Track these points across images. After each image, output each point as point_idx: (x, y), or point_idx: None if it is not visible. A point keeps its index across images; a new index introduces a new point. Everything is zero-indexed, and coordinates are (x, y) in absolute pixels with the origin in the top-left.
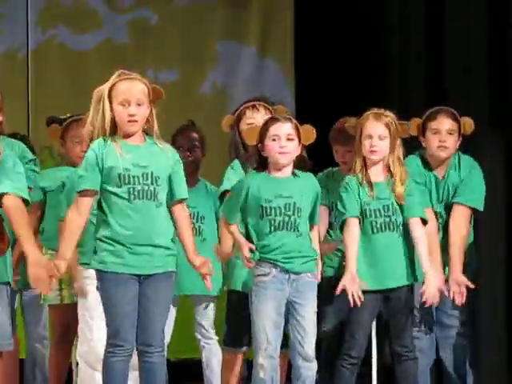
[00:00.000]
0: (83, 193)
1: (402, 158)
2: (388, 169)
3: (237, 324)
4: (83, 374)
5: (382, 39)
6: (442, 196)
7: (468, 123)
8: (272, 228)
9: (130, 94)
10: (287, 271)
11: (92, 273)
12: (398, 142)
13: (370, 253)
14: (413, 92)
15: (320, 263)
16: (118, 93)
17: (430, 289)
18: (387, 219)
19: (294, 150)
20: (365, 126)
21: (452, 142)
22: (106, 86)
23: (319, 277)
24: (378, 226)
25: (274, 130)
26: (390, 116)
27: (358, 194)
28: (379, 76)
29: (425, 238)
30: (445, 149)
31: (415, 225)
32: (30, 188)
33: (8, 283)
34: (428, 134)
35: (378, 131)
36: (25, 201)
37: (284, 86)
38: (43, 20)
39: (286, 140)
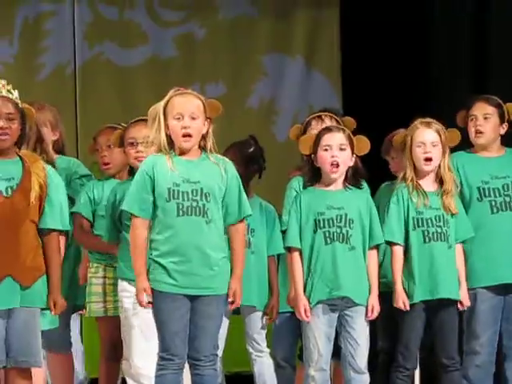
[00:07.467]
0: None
1: (451, 166)
2: (439, 178)
3: None
4: None
5: (429, 49)
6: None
7: None
8: (327, 240)
9: (183, 107)
10: None
11: (126, 286)
12: (448, 150)
13: (421, 262)
14: (460, 103)
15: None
16: (172, 108)
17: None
18: (439, 229)
19: (346, 160)
20: (415, 134)
21: (489, 127)
22: (161, 103)
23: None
24: (430, 235)
25: (327, 139)
26: (438, 123)
27: (408, 206)
28: (426, 86)
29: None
30: (480, 134)
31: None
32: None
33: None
34: (468, 122)
35: (430, 138)
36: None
37: (331, 97)
38: (90, 36)
39: (339, 150)
